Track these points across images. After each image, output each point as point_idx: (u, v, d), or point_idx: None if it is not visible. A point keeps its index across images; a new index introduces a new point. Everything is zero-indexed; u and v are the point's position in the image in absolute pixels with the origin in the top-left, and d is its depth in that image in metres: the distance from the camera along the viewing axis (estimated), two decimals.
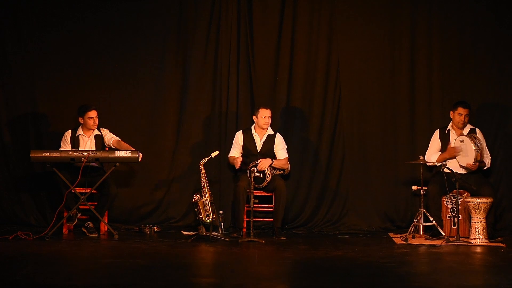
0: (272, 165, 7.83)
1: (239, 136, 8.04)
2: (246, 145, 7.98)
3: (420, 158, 7.64)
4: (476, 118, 8.19)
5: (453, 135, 7.83)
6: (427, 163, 7.76)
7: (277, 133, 8.08)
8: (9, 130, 8.33)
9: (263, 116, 7.94)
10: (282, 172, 8.00)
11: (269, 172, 7.73)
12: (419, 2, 8.48)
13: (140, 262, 6.09)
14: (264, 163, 7.74)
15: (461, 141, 7.65)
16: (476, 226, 7.36)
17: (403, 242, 7.38)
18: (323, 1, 8.51)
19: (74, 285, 5.18)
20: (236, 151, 8.01)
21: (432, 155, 7.88)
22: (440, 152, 7.85)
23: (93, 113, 7.82)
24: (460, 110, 7.80)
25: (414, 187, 7.80)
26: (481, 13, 8.39)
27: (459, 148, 7.68)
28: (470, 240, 7.37)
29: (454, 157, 7.72)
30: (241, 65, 8.48)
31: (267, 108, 7.99)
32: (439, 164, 7.72)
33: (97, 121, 7.84)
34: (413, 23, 8.47)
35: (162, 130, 8.48)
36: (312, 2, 8.51)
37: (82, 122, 7.86)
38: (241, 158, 7.89)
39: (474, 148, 7.50)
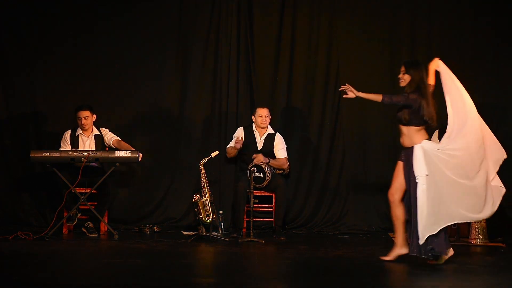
0: (269, 163, 7.82)
1: (239, 131, 8.04)
2: (246, 141, 7.96)
3: None
4: None
5: None
6: None
7: (277, 133, 8.07)
8: (9, 130, 8.33)
9: (260, 115, 7.95)
10: (281, 171, 7.99)
11: (269, 172, 7.72)
12: (419, 3, 8.49)
13: (140, 262, 6.08)
14: (259, 157, 7.72)
15: None
16: (476, 226, 7.36)
17: None
18: (323, 1, 8.52)
19: (74, 285, 5.17)
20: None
21: None
22: None
23: (81, 113, 7.74)
24: None
25: None
26: (480, 14, 8.41)
27: None
28: (470, 240, 7.37)
29: None
30: (241, 65, 8.48)
31: (263, 107, 8.00)
32: None
33: (87, 122, 7.76)
34: (413, 22, 8.49)
35: (162, 130, 8.48)
36: (312, 3, 8.52)
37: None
38: (240, 144, 7.85)
39: None
